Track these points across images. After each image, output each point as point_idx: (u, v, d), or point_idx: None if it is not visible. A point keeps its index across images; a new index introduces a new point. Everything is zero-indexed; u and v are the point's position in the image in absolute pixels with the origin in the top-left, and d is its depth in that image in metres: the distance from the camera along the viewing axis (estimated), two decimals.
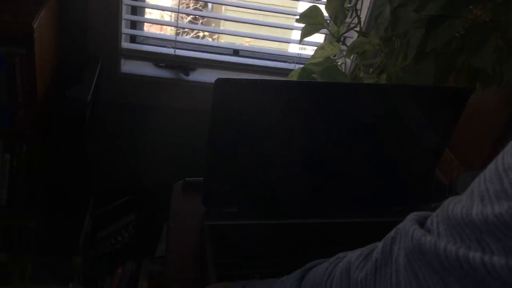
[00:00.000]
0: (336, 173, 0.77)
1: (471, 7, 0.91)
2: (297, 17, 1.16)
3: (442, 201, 0.87)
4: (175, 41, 1.46)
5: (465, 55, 0.95)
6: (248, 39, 1.91)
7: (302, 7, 1.32)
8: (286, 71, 1.54)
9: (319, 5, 1.16)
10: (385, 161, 0.80)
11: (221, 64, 1.53)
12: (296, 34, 1.62)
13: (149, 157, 1.55)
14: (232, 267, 0.67)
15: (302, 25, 1.20)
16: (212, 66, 1.53)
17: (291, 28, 1.54)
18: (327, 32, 1.30)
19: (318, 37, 1.55)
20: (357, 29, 1.17)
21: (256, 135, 0.71)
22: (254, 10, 1.49)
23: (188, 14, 1.76)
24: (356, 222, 0.78)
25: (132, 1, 1.41)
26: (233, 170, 0.72)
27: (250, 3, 1.49)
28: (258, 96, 0.68)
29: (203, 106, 1.46)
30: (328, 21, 1.20)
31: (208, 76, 1.50)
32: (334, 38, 1.21)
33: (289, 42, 1.63)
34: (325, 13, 1.16)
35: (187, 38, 1.59)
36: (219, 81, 0.64)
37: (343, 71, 1.27)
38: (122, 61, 1.43)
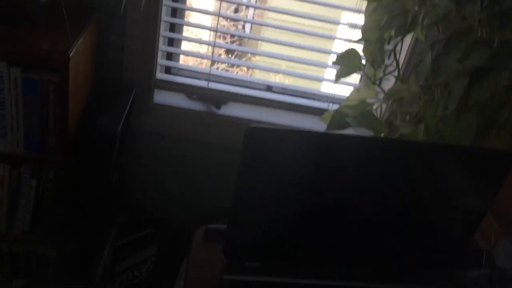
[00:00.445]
0: (368, 232, 0.73)
1: None
2: (333, 55, 1.13)
3: (479, 270, 0.81)
4: (209, 74, 1.45)
5: (510, 110, 0.90)
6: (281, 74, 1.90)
7: (337, 45, 1.29)
8: (319, 110, 1.51)
9: (356, 46, 1.14)
10: (422, 221, 0.75)
11: (253, 100, 1.51)
12: (330, 72, 1.59)
13: (176, 191, 1.53)
14: None
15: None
16: (244, 101, 1.52)
17: (326, 67, 1.52)
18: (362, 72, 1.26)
19: (353, 77, 1.52)
20: (395, 74, 1.13)
21: (285, 187, 0.68)
22: (289, 47, 1.47)
23: (222, 48, 1.76)
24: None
25: (169, 33, 1.41)
26: (259, 222, 0.68)
27: (285, 39, 1.48)
28: (289, 146, 0.65)
29: (233, 141, 1.47)
30: (364, 63, 1.17)
31: (240, 111, 1.49)
32: (370, 81, 1.18)
33: (323, 81, 1.60)
34: (362, 55, 1.12)
35: (221, 72, 1.58)
36: (250, 129, 0.61)
37: (378, 115, 1.23)
38: (156, 91, 1.43)
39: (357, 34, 1.14)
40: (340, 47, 1.35)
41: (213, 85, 1.47)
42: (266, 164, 0.65)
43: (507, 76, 0.84)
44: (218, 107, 1.47)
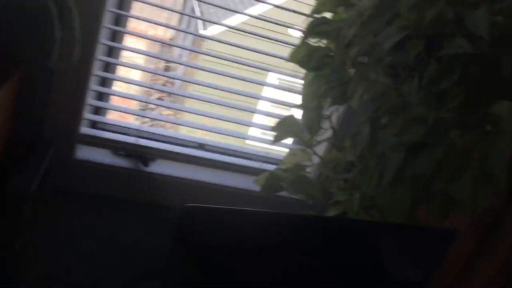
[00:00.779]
0: None
1: (452, 136, 0.90)
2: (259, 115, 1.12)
3: None
4: (139, 130, 1.38)
5: (442, 183, 0.93)
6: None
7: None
8: (252, 170, 1.49)
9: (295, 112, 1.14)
10: None
11: (184, 157, 1.46)
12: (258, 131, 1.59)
13: (91, 259, 1.40)
14: None
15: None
16: (174, 158, 1.46)
17: (262, 128, 1.51)
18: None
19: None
20: (331, 140, 1.14)
21: (222, 266, 0.63)
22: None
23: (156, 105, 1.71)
24: None
25: (99, 87, 1.34)
26: None
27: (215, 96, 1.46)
28: (228, 225, 0.61)
29: (162, 200, 1.40)
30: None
31: (169, 168, 1.42)
32: (306, 146, 1.18)
33: (259, 142, 1.58)
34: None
35: (152, 128, 1.52)
36: (187, 209, 0.57)
37: (312, 178, 1.23)
38: (78, 146, 1.33)
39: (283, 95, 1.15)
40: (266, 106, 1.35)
41: (142, 142, 1.40)
42: (203, 243, 0.60)
43: (442, 152, 0.87)
44: (146, 165, 1.40)
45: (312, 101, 1.06)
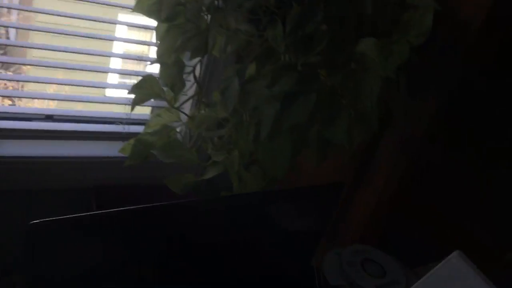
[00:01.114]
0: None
1: (323, 80, 0.86)
2: (114, 59, 0.98)
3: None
4: None
5: (319, 127, 0.90)
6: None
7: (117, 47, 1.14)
8: (114, 135, 1.34)
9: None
10: (262, 260, 0.69)
11: (31, 133, 1.26)
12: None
13: None
14: None
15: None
16: (20, 136, 1.25)
17: (117, 87, 1.34)
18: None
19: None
20: (202, 99, 1.04)
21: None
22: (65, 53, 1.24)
23: None
24: None
25: None
26: None
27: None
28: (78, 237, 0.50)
29: (13, 185, 1.20)
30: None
31: (16, 148, 1.21)
32: (170, 105, 1.07)
33: (114, 103, 1.41)
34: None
35: None
36: (32, 226, 0.45)
37: (183, 140, 1.14)
38: None
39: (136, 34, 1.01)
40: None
41: None
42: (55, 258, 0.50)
43: (314, 98, 0.83)
44: None
45: (170, 56, 0.94)
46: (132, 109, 1.04)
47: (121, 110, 1.40)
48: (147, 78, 0.96)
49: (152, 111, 1.39)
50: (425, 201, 1.20)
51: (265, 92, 0.83)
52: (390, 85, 0.94)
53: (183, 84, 0.98)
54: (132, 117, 1.37)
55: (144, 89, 0.96)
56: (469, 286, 0.47)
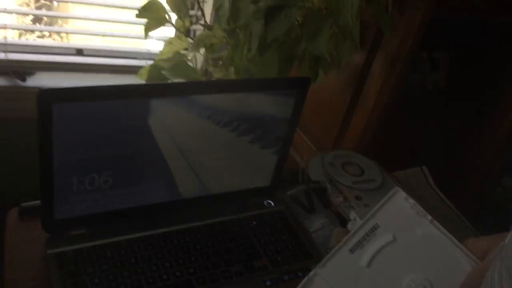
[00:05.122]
0: (189, 176, 0.75)
1: None
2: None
3: (297, 187, 0.91)
4: (5, 44, 1.30)
5: (305, 43, 0.99)
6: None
7: None
8: (138, 69, 1.47)
9: None
10: (235, 155, 0.79)
11: (63, 66, 1.41)
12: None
13: None
14: None
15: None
16: (53, 69, 1.40)
17: (135, 23, 1.47)
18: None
19: (171, 32, 1.50)
20: (202, 22, 1.15)
21: (93, 148, 0.65)
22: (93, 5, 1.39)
23: (24, 14, 1.57)
24: (216, 222, 0.77)
25: None
26: (72, 188, 0.65)
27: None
28: (89, 105, 0.62)
29: None
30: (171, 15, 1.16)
31: (50, 80, 1.37)
32: (181, 32, 1.18)
33: (134, 38, 1.55)
34: (167, 7, 1.11)
35: (19, 40, 1.43)
36: (41, 92, 0.57)
37: (194, 65, 1.25)
38: None
39: None
40: None
41: (13, 56, 1.32)
42: (66, 129, 0.62)
43: (296, 12, 0.91)
44: (23, 79, 1.33)
45: None
46: (146, 34, 1.16)
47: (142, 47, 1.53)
48: (152, 2, 1.06)
49: None
50: (409, 120, 1.28)
51: (251, 8, 0.92)
52: (378, 4, 1.01)
53: (187, 9, 1.08)
54: (153, 52, 1.50)
55: (151, 12, 1.07)
56: (412, 223, 0.56)
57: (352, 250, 0.56)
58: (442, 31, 1.21)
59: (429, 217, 0.57)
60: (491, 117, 1.43)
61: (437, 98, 1.40)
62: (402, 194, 0.58)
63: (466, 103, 1.40)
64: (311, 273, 0.55)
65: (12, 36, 1.39)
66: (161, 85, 0.89)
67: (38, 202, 0.65)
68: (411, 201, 0.57)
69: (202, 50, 1.23)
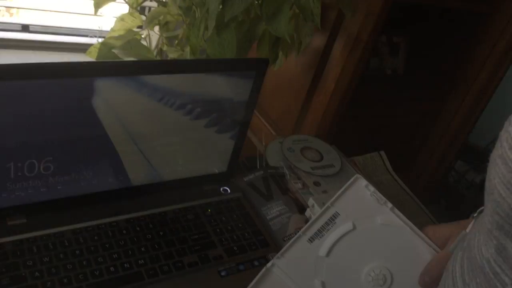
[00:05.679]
0: (138, 162, 0.70)
1: None
2: None
3: (254, 173, 0.88)
4: None
5: (265, 23, 0.95)
6: None
7: None
8: (87, 46, 1.39)
9: None
10: (190, 140, 0.75)
11: (7, 43, 1.32)
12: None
13: None
14: None
15: None
16: None
17: None
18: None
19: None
20: None
21: (31, 131, 0.59)
22: None
23: None
24: (168, 211, 0.73)
25: None
26: (10, 174, 0.59)
27: None
28: (29, 85, 0.56)
29: None
30: None
31: None
32: (133, 8, 1.11)
33: (85, 14, 1.46)
34: None
35: None
36: None
37: (148, 44, 1.19)
38: None
39: None
40: None
41: None
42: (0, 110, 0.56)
43: None
44: None
45: None
46: (96, 10, 1.09)
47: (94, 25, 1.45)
48: None
49: None
50: (368, 104, 1.28)
51: None
52: None
53: None
54: (104, 29, 1.42)
55: None
56: (372, 211, 0.54)
57: (311, 240, 0.54)
58: (401, 16, 1.21)
59: (390, 204, 0.55)
60: (447, 103, 1.45)
61: (395, 82, 1.40)
62: (362, 181, 0.56)
63: (423, 89, 1.41)
64: (268, 264, 0.53)
65: None
66: (106, 62, 0.83)
67: None
68: (371, 188, 0.56)
69: (157, 28, 1.18)
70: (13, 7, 1.44)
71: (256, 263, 0.70)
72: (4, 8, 1.75)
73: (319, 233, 0.54)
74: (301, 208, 0.82)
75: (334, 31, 1.11)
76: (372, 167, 1.01)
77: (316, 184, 0.87)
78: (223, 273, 0.67)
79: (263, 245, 0.73)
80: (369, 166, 1.00)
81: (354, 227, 0.54)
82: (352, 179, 0.56)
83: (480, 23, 1.31)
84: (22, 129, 0.58)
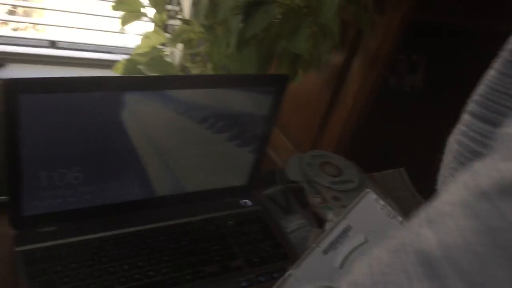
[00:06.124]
0: (163, 173, 0.73)
1: None
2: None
3: (274, 186, 0.89)
4: None
5: (284, 41, 0.98)
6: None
7: None
8: (111, 63, 1.44)
9: None
10: (211, 153, 0.78)
11: (35, 58, 1.37)
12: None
13: None
14: None
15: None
16: (25, 61, 1.36)
17: (112, 16, 1.44)
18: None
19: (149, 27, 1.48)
20: (180, 16, 1.13)
21: (62, 142, 0.62)
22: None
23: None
24: (191, 221, 0.75)
25: None
26: (41, 183, 0.62)
27: None
28: (61, 98, 0.60)
29: None
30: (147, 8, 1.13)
31: (22, 72, 1.33)
32: (158, 26, 1.15)
33: (111, 32, 1.51)
34: (145, 1, 1.09)
35: None
36: (7, 83, 0.55)
37: (172, 61, 1.23)
38: None
39: None
40: None
41: None
42: (34, 121, 0.59)
43: (276, 9, 0.90)
44: None
45: None
46: (122, 26, 1.13)
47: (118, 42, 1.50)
48: None
49: None
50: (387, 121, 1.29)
51: (231, 3, 0.90)
52: (359, 3, 1.01)
53: (164, 2, 1.06)
54: (129, 47, 1.47)
55: (127, 5, 1.04)
56: (383, 224, 0.56)
57: (325, 251, 0.56)
58: (420, 34, 1.22)
59: (400, 218, 0.56)
60: None
61: (415, 99, 1.41)
62: (372, 195, 0.57)
63: (442, 106, 1.41)
64: (286, 274, 0.54)
65: None
66: (135, 77, 0.86)
67: (5, 197, 0.62)
68: (381, 202, 0.57)
69: (180, 46, 1.21)
70: (40, 24, 1.50)
71: (275, 274, 0.71)
72: (32, 25, 1.82)
73: (333, 245, 0.56)
74: (320, 222, 0.84)
75: (353, 49, 1.13)
76: (392, 183, 1.01)
77: (336, 198, 0.88)
78: (243, 284, 0.69)
79: (282, 258, 0.75)
80: (388, 183, 1.01)
81: (366, 240, 0.56)
82: (362, 193, 0.57)
83: (500, 41, 1.31)
84: (55, 140, 0.61)
